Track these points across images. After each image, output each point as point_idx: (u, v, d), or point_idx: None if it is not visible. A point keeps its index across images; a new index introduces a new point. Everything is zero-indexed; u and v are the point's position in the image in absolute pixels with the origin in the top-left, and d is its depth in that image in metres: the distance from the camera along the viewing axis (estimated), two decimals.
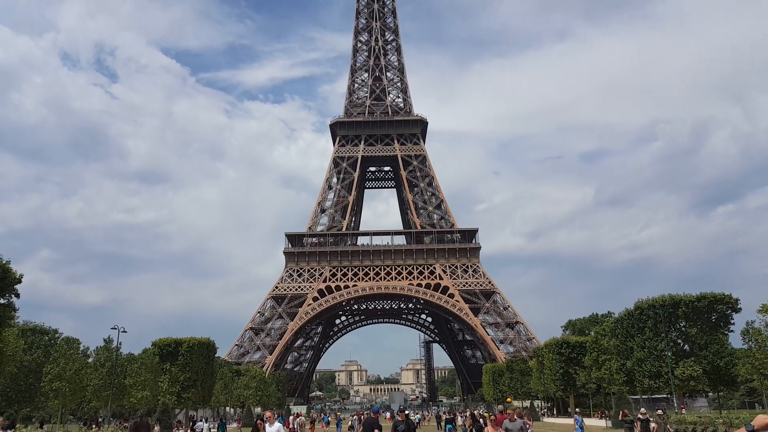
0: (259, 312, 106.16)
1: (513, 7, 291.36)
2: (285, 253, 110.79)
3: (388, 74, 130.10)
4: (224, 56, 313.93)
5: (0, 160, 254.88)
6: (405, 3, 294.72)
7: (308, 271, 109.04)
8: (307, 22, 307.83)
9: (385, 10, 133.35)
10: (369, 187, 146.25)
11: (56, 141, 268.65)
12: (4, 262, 27.22)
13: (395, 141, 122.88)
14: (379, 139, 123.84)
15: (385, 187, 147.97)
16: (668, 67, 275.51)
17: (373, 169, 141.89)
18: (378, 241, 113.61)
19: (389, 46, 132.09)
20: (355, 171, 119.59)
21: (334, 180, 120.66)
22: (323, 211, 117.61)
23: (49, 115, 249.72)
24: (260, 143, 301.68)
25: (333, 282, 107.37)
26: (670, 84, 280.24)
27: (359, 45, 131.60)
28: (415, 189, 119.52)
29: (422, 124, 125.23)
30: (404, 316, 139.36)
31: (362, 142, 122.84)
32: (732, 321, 35.71)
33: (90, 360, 37.78)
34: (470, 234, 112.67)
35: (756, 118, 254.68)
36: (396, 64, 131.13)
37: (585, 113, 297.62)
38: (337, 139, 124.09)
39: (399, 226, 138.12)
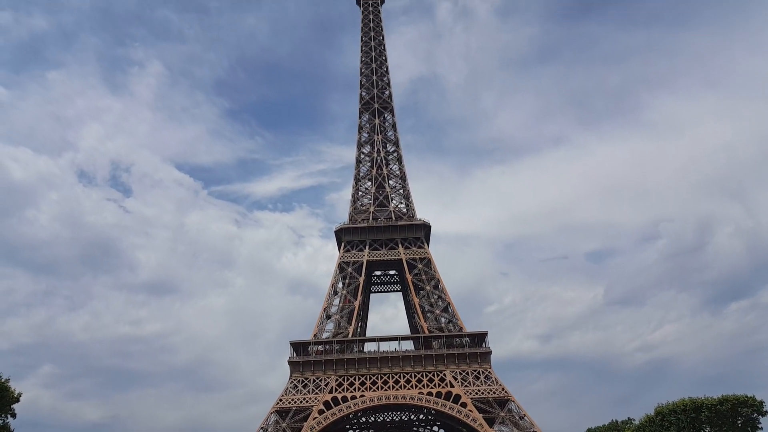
0: (262, 428, 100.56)
1: (508, 119, 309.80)
2: (290, 362, 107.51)
3: (391, 182, 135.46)
4: (235, 170, 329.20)
5: (12, 275, 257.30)
6: (406, 117, 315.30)
7: (313, 381, 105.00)
8: (315, 137, 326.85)
9: (386, 124, 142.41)
10: (375, 291, 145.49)
11: (68, 255, 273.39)
12: (3, 380, 26.85)
13: (399, 245, 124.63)
14: (383, 243, 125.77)
15: (391, 291, 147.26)
16: (664, 168, 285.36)
17: (378, 273, 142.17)
18: (385, 346, 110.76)
19: (391, 157, 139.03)
20: (360, 276, 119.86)
21: (340, 285, 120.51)
22: (329, 317, 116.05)
23: (63, 230, 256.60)
24: (269, 250, 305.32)
25: (339, 392, 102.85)
26: (667, 183, 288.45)
27: (362, 156, 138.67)
28: (421, 292, 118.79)
29: (425, 227, 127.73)
30: (415, 429, 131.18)
31: (367, 247, 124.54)
32: (759, 425, 33.84)
33: None
34: (480, 337, 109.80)
35: (757, 213, 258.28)
36: (398, 172, 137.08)
37: (587, 214, 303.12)
38: (342, 244, 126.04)
39: (407, 331, 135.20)
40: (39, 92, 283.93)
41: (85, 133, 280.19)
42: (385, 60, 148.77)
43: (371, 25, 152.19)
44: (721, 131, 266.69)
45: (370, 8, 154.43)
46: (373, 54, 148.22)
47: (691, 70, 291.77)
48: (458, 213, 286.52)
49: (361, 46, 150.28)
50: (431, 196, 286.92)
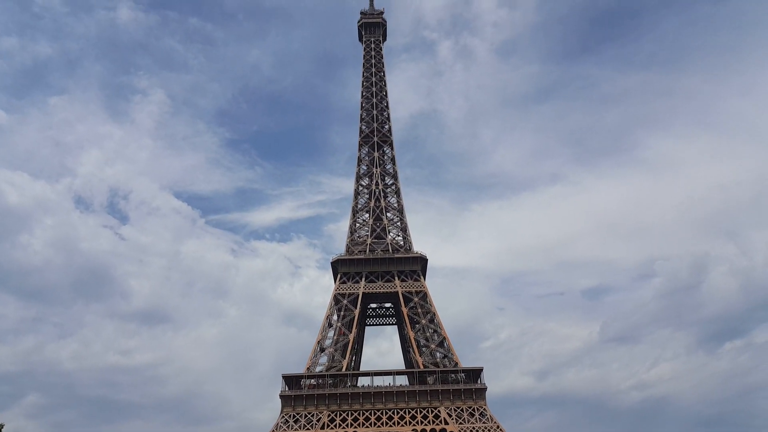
0: None
1: (506, 155, 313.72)
2: (281, 396, 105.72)
3: (388, 214, 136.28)
4: (234, 199, 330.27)
5: (1, 301, 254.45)
6: (406, 151, 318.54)
7: (305, 416, 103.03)
8: (315, 168, 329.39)
9: (385, 157, 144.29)
10: (370, 324, 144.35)
11: (60, 281, 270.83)
12: None
13: (396, 278, 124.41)
14: (379, 276, 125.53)
15: (386, 324, 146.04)
16: (660, 206, 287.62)
17: (374, 305, 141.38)
18: (379, 381, 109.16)
19: (389, 189, 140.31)
20: (355, 308, 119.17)
21: (335, 317, 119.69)
22: (323, 350, 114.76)
23: (56, 256, 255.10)
24: (264, 281, 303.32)
25: (332, 428, 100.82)
26: (663, 222, 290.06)
27: (361, 188, 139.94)
28: (417, 326, 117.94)
29: (422, 260, 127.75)
30: None
31: (363, 279, 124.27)
32: None
33: None
34: (475, 373, 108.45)
35: (751, 253, 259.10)
36: (396, 205, 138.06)
37: (583, 250, 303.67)
38: (338, 276, 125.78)
39: (402, 365, 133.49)
40: (40, 117, 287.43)
41: (84, 159, 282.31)
42: (386, 95, 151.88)
43: (373, 61, 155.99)
44: (717, 171, 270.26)
45: (372, 45, 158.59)
46: (374, 89, 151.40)
47: (686, 111, 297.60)
48: (456, 246, 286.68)
49: (363, 81, 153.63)
50: (430, 229, 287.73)
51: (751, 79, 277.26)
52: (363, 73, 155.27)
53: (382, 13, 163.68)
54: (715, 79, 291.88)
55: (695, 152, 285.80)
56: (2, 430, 26.66)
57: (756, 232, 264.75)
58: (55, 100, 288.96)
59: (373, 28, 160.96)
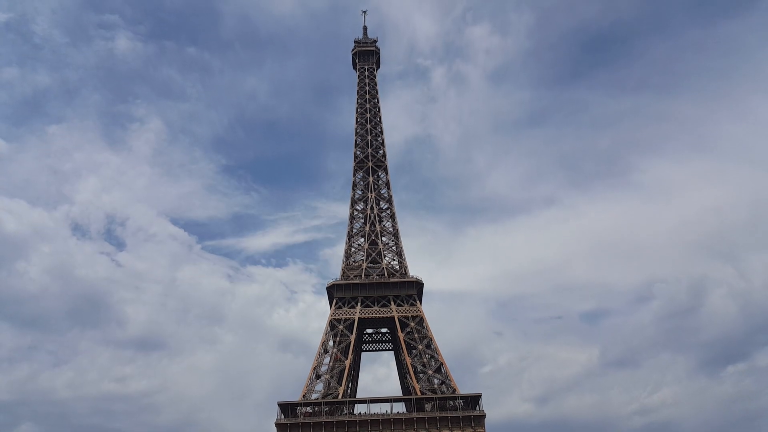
0: None
1: (500, 179, 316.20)
2: (277, 424, 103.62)
3: (383, 239, 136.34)
4: (230, 225, 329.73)
5: None
6: (401, 175, 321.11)
7: None
8: (311, 193, 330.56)
9: (380, 182, 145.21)
10: (366, 350, 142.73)
11: (56, 308, 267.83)
12: None
13: (392, 302, 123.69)
14: (375, 300, 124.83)
15: (382, 350, 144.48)
16: (656, 229, 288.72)
17: (370, 331, 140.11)
18: (376, 408, 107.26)
19: (384, 214, 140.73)
20: (351, 334, 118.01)
21: (330, 343, 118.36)
22: (318, 376, 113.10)
23: (52, 284, 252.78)
24: (260, 306, 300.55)
25: None
26: (659, 244, 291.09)
27: (356, 213, 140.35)
28: (414, 351, 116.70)
29: (418, 285, 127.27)
30: None
31: (359, 304, 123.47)
32: None
33: None
34: (474, 400, 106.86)
35: (749, 275, 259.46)
36: (391, 229, 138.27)
37: (580, 274, 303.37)
38: (334, 301, 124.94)
39: (399, 392, 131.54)
40: (38, 145, 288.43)
41: (81, 187, 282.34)
42: (380, 121, 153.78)
43: (367, 88, 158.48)
44: (711, 194, 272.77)
45: (366, 73, 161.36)
46: (368, 115, 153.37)
47: (678, 134, 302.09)
48: (452, 271, 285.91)
49: (357, 108, 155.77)
50: (425, 254, 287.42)
51: (743, 103, 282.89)
52: (357, 99, 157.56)
53: (375, 41, 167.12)
54: (707, 103, 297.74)
55: (689, 175, 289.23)
56: None
57: (753, 255, 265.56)
58: (53, 128, 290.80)
59: (366, 56, 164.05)
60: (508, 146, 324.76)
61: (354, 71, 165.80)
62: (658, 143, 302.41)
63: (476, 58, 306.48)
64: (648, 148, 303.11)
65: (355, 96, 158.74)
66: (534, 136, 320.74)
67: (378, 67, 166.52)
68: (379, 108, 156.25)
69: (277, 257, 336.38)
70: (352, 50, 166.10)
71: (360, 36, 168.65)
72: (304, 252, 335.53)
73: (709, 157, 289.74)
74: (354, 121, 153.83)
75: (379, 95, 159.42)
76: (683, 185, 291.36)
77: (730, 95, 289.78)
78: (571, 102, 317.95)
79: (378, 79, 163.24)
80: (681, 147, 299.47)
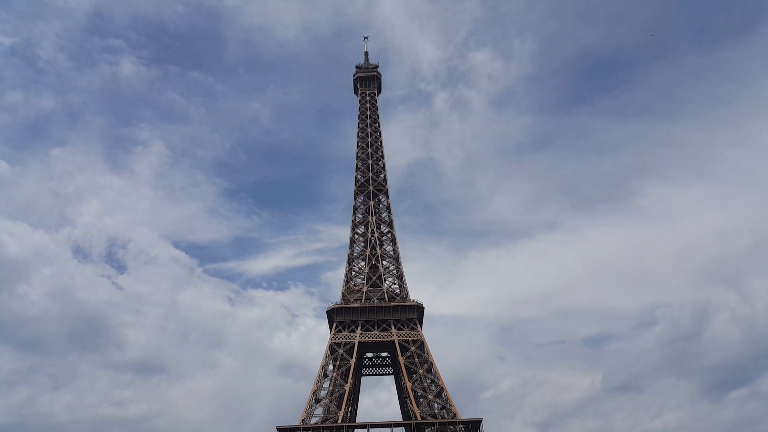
0: None
1: (503, 203, 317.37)
2: None
3: (384, 262, 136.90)
4: (231, 248, 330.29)
5: None
6: (403, 199, 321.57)
7: None
8: (313, 216, 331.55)
9: (380, 206, 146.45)
10: (366, 374, 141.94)
11: (56, 331, 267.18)
12: None
13: (392, 326, 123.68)
14: (376, 324, 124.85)
15: (383, 374, 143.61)
16: (658, 253, 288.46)
17: (370, 355, 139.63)
18: None
19: (384, 237, 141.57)
20: (351, 357, 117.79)
21: (330, 368, 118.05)
22: (318, 401, 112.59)
23: (53, 306, 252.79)
24: (261, 330, 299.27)
25: None
26: (662, 269, 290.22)
27: (356, 237, 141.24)
28: (414, 376, 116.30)
29: (418, 309, 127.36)
30: None
31: (359, 328, 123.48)
32: None
33: None
34: (474, 425, 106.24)
35: (752, 300, 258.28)
36: (391, 253, 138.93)
37: (583, 298, 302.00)
38: (334, 325, 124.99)
39: (400, 417, 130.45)
40: (40, 168, 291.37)
41: (83, 209, 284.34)
42: (381, 145, 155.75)
43: (368, 113, 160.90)
44: (713, 219, 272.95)
45: (368, 98, 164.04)
46: (369, 140, 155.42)
47: (681, 160, 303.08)
48: (454, 294, 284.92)
49: (358, 132, 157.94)
50: (427, 277, 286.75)
51: (744, 129, 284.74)
52: (358, 124, 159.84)
53: (376, 67, 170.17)
54: (709, 128, 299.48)
55: (691, 200, 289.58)
56: None
57: (756, 280, 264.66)
58: (56, 151, 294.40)
59: (368, 81, 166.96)
60: (510, 170, 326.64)
61: (355, 96, 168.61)
62: (661, 168, 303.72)
63: (479, 83, 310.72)
64: (650, 173, 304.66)
65: (357, 120, 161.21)
66: (536, 161, 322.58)
67: (379, 92, 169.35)
68: (380, 132, 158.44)
69: (279, 280, 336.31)
70: (354, 75, 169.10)
71: (362, 61, 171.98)
72: (305, 275, 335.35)
73: (711, 182, 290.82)
74: (355, 146, 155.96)
75: (381, 119, 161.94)
76: (686, 210, 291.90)
77: (732, 120, 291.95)
78: (574, 127, 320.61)
79: (380, 103, 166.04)
80: (683, 172, 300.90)
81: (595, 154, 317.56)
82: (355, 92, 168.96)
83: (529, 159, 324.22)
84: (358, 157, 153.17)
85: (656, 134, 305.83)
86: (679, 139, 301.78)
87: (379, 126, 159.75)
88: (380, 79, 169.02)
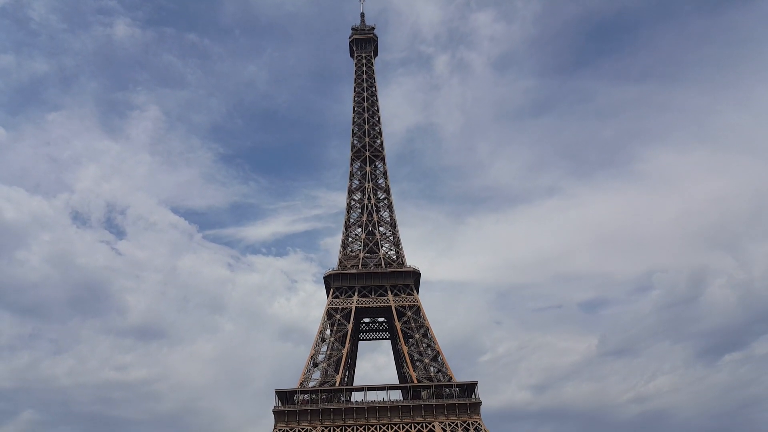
0: None
1: (503, 168, 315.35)
2: (274, 411, 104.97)
3: (381, 229, 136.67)
4: (229, 214, 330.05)
5: None
6: (402, 165, 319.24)
7: (298, 431, 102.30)
8: (311, 182, 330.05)
9: (377, 172, 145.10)
10: (363, 339, 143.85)
11: (56, 297, 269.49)
12: None
13: (389, 292, 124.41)
14: (372, 290, 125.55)
15: (380, 339, 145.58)
16: (657, 219, 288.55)
17: (367, 320, 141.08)
18: (373, 396, 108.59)
19: (381, 204, 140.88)
20: (348, 322, 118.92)
21: (328, 332, 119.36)
22: (316, 365, 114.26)
23: (53, 272, 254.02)
24: (261, 295, 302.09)
25: None
26: (661, 234, 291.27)
27: (353, 203, 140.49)
28: (410, 340, 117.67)
29: (415, 275, 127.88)
30: None
31: (356, 294, 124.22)
32: None
33: None
34: (470, 388, 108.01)
35: (749, 266, 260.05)
36: (388, 219, 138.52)
37: (580, 263, 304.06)
38: (331, 290, 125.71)
39: (397, 380, 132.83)
40: (36, 134, 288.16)
41: (81, 175, 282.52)
42: (377, 110, 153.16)
43: (364, 76, 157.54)
44: (714, 184, 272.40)
45: (363, 60, 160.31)
46: (366, 104, 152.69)
47: (682, 124, 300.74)
48: (453, 260, 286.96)
49: (354, 97, 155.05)
50: (426, 243, 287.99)
51: (748, 92, 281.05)
52: (354, 88, 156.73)
53: (373, 28, 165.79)
54: (712, 92, 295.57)
55: (692, 165, 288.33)
56: None
57: (754, 245, 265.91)
58: (52, 116, 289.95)
59: (364, 43, 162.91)
60: (511, 135, 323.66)
61: (352, 59, 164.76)
62: (662, 132, 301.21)
63: (480, 46, 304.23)
64: (651, 138, 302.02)
65: (353, 84, 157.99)
66: (537, 125, 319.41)
67: (376, 54, 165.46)
68: (376, 97, 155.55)
69: (278, 246, 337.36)
70: (350, 38, 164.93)
71: (358, 23, 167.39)
72: (304, 241, 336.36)
73: (712, 147, 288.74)
74: (351, 110, 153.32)
75: (381, 83, 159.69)
76: (686, 175, 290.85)
77: (735, 85, 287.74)
78: (575, 91, 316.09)
79: (380, 66, 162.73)
80: (684, 137, 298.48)
81: (596, 118, 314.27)
82: (351, 55, 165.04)
83: (530, 123, 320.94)
84: (354, 122, 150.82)
85: (659, 98, 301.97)
86: (682, 103, 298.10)
87: (375, 90, 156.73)
88: (377, 41, 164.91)
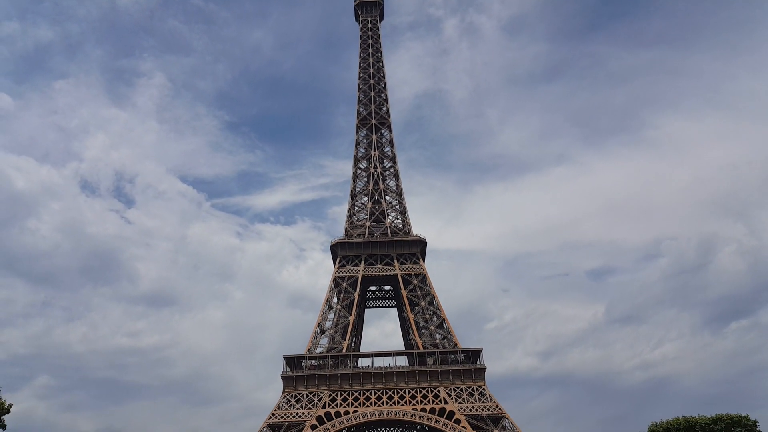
0: None
1: (512, 136, 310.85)
2: (283, 377, 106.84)
3: (387, 197, 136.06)
4: (236, 183, 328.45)
5: (11, 285, 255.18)
6: (410, 132, 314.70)
7: (307, 396, 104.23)
8: (318, 151, 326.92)
9: (383, 140, 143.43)
10: (370, 307, 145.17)
11: (68, 265, 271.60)
12: None
13: (395, 260, 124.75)
14: (379, 258, 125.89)
15: (386, 306, 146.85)
16: (667, 187, 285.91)
17: (373, 288, 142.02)
18: (380, 362, 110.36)
19: (387, 172, 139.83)
20: (355, 291, 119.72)
21: (335, 300, 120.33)
22: (323, 332, 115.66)
23: (64, 241, 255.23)
24: (270, 264, 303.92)
25: (332, 408, 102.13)
26: (670, 202, 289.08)
27: (359, 171, 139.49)
28: (416, 308, 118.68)
29: (421, 243, 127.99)
30: None
31: (362, 262, 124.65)
32: None
33: None
34: (474, 354, 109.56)
35: (760, 233, 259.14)
36: (394, 188, 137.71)
37: (588, 231, 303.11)
38: (338, 259, 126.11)
39: (403, 346, 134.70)
40: (42, 102, 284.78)
41: (89, 144, 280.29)
42: (383, 76, 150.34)
43: (369, 42, 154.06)
44: (725, 151, 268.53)
45: (369, 25, 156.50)
46: (371, 70, 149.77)
47: (695, 90, 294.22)
48: (460, 229, 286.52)
49: (360, 63, 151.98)
50: (433, 212, 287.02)
51: (762, 57, 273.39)
52: (360, 54, 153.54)
53: None
54: (725, 57, 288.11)
55: (703, 132, 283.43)
56: (10, 410, 26.85)
57: (765, 212, 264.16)
58: (59, 84, 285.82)
59: (369, 7, 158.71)
60: (521, 101, 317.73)
61: (357, 24, 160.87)
62: (674, 99, 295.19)
63: (491, 8, 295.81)
64: (664, 104, 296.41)
65: (359, 50, 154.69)
66: (548, 91, 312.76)
67: (382, 18, 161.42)
68: (382, 62, 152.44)
69: (286, 215, 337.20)
70: (355, 1, 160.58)
71: None
72: (312, 210, 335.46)
73: (725, 113, 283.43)
74: (357, 77, 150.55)
75: (388, 48, 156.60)
76: (697, 142, 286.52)
77: (750, 49, 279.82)
78: (587, 55, 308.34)
79: (387, 31, 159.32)
80: (696, 102, 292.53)
81: (608, 84, 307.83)
82: (357, 19, 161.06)
83: (541, 89, 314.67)
84: (359, 89, 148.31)
85: (671, 63, 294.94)
86: (695, 68, 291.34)
87: (381, 56, 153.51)
88: (382, 4, 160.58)
